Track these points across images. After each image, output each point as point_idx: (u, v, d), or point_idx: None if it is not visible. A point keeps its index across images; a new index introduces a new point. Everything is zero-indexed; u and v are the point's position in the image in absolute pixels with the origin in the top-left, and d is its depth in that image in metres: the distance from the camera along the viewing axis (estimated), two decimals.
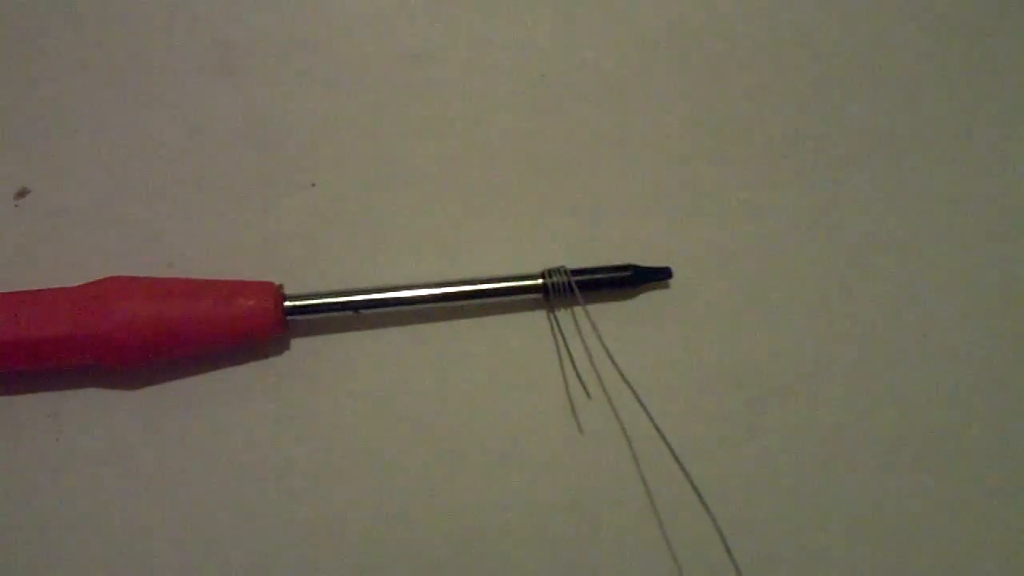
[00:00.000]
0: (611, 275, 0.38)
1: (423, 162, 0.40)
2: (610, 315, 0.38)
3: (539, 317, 0.38)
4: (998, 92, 0.41)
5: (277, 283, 0.37)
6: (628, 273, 0.38)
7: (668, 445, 0.35)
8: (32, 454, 0.36)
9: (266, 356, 0.37)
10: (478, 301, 0.37)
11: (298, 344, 0.38)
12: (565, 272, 0.37)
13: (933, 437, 0.37)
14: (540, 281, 0.37)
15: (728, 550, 0.34)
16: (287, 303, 0.36)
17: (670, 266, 0.38)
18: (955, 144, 0.41)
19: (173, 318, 0.35)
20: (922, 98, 0.41)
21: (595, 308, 0.38)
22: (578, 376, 0.37)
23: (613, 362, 0.37)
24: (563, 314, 0.38)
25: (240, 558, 0.36)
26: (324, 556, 0.36)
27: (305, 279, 0.38)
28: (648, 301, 0.39)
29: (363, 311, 0.37)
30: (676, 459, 0.35)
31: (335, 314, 0.37)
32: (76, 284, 0.36)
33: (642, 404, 0.36)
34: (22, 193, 0.39)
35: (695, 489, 0.35)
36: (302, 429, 0.37)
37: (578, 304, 0.38)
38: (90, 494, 0.36)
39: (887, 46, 0.42)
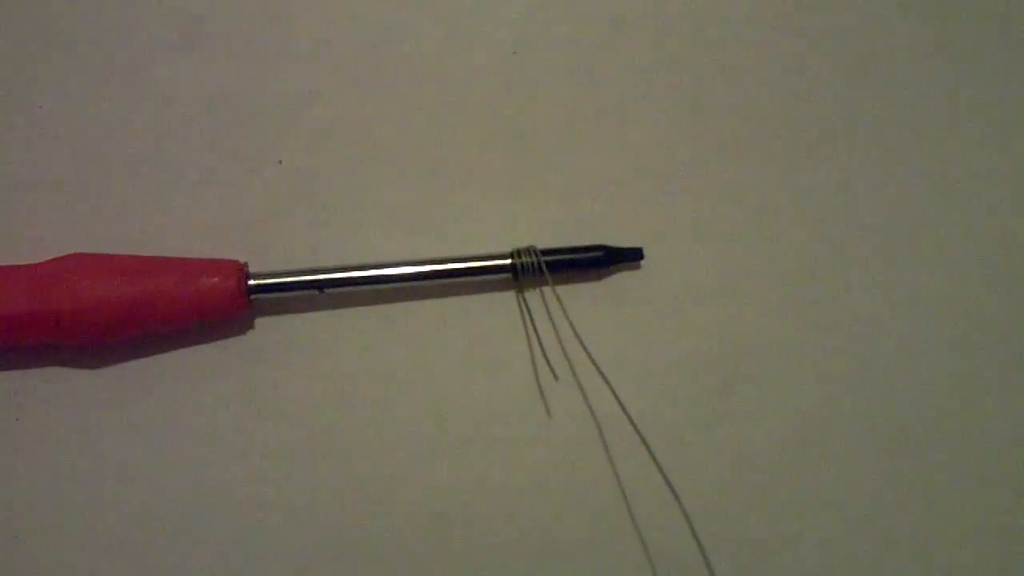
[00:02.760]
0: (581, 255, 0.37)
1: (391, 140, 0.39)
2: (580, 296, 0.38)
3: (508, 298, 0.38)
4: (979, 76, 0.41)
5: (242, 261, 0.36)
6: (599, 254, 0.37)
7: (636, 428, 0.35)
8: None
9: (230, 335, 0.37)
10: (446, 281, 0.37)
11: (263, 323, 0.37)
12: (535, 252, 0.37)
13: (906, 422, 0.37)
14: (509, 261, 0.37)
15: (695, 534, 0.34)
16: (251, 281, 0.36)
17: (642, 247, 0.38)
18: (934, 128, 0.40)
19: (136, 296, 0.35)
20: (902, 81, 0.41)
21: (565, 289, 0.38)
22: (546, 358, 0.37)
23: (582, 344, 0.37)
24: (532, 295, 0.38)
25: (205, 537, 0.35)
26: (290, 535, 0.35)
27: (271, 258, 0.37)
28: (619, 282, 0.38)
29: (328, 290, 0.36)
30: (644, 443, 0.35)
31: (300, 293, 0.36)
32: (37, 261, 0.35)
33: (610, 387, 0.36)
34: None
35: (662, 473, 0.35)
36: (267, 408, 0.36)
37: (547, 285, 0.37)
38: (53, 474, 0.36)
39: (866, 27, 0.41)
